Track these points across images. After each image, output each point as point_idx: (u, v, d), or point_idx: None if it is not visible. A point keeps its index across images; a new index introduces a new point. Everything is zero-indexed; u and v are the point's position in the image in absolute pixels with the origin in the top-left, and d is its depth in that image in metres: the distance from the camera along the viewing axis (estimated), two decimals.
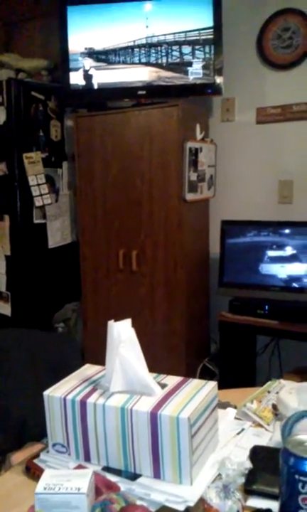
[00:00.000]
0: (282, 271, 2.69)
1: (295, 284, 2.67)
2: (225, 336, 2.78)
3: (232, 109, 3.03)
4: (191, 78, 2.72)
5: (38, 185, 2.99)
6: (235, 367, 2.83)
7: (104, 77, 2.82)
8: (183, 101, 2.70)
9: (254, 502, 0.88)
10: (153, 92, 2.78)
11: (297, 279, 2.66)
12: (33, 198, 2.98)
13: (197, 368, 3.01)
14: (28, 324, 3.01)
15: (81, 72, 2.84)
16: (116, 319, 0.98)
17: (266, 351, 2.99)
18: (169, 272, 2.85)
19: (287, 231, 2.69)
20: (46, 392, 0.97)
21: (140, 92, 2.79)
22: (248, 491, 0.89)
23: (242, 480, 0.85)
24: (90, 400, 0.93)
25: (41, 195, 3.01)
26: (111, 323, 0.97)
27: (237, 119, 3.02)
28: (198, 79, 2.71)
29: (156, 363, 2.79)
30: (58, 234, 3.18)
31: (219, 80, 2.73)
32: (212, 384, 1.00)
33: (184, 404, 0.90)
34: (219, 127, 3.05)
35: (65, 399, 0.95)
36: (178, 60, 2.71)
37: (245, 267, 2.78)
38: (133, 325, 1.00)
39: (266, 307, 2.64)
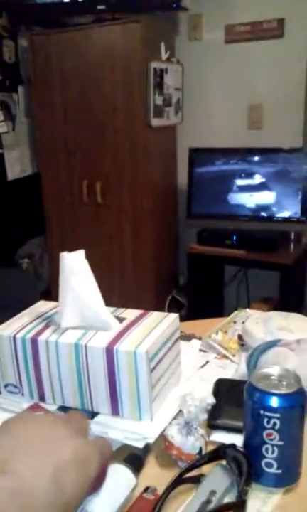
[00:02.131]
0: (251, 200, 2.62)
1: (263, 214, 2.61)
2: (193, 268, 2.75)
3: (200, 27, 2.82)
4: None
5: None
6: (203, 298, 2.82)
7: None
8: (147, 17, 2.49)
9: (218, 437, 0.84)
10: (114, 7, 2.55)
11: (266, 208, 2.60)
12: None
13: (166, 300, 2.99)
14: None
15: None
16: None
17: (233, 281, 2.97)
18: (136, 203, 2.75)
19: (256, 158, 2.60)
20: None
21: (99, 7, 2.56)
22: (212, 425, 0.85)
23: (205, 416, 0.81)
24: (42, 338, 0.86)
25: None
26: (63, 254, 0.88)
27: (204, 37, 2.82)
28: None
29: (125, 297, 2.76)
30: (17, 165, 3.00)
31: None
32: (173, 316, 0.93)
33: (142, 338, 0.84)
34: (186, 46, 2.86)
35: (14, 337, 0.87)
36: None
37: (213, 197, 2.70)
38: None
39: (235, 237, 2.60)
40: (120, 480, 0.73)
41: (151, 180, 2.72)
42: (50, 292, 2.96)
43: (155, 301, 2.86)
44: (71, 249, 0.89)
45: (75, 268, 0.88)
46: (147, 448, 0.80)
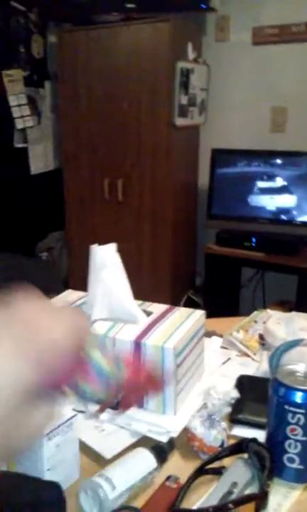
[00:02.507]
0: (271, 203, 2.63)
1: (283, 217, 2.61)
2: (211, 268, 2.76)
3: (227, 28, 2.83)
4: None
5: (19, 106, 2.82)
6: (219, 299, 2.82)
7: None
8: (175, 17, 2.51)
9: (239, 431, 0.86)
10: (143, 5, 2.56)
11: (286, 211, 2.60)
12: (14, 119, 2.80)
13: (182, 300, 3.00)
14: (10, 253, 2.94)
15: None
16: None
17: (250, 284, 2.98)
18: (156, 202, 2.77)
19: (279, 161, 2.60)
20: None
21: (129, 5, 2.58)
22: (234, 419, 0.87)
23: (228, 410, 0.83)
24: None
25: (22, 116, 2.84)
26: (94, 247, 0.91)
27: (231, 38, 2.83)
28: None
29: (141, 295, 2.75)
30: (41, 160, 3.03)
31: None
32: (200, 313, 0.95)
33: (170, 333, 0.86)
34: (213, 47, 2.86)
35: None
36: None
37: (234, 198, 2.71)
38: (119, 256, 0.93)
39: (254, 239, 2.60)
40: (141, 460, 0.75)
41: (173, 179, 2.73)
42: (68, 285, 2.99)
43: (170, 300, 2.88)
44: (90, 244, 0.91)
45: (107, 261, 0.90)
46: (172, 444, 0.81)
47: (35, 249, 3.10)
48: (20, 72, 2.81)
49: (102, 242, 0.91)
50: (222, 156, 2.70)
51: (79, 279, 3.05)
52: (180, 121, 2.64)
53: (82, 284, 1.09)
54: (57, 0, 2.69)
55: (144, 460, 0.76)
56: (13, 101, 2.78)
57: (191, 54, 2.67)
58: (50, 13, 2.89)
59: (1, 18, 2.69)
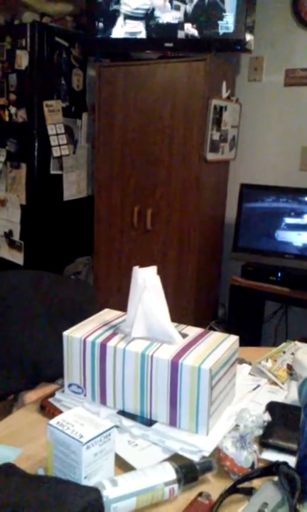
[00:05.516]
0: (298, 239, 2.66)
1: None
2: (235, 300, 2.77)
3: (260, 69, 2.92)
4: (221, 33, 2.61)
5: (57, 134, 2.93)
6: (242, 331, 2.82)
7: (130, 26, 2.71)
8: (211, 56, 2.61)
9: (269, 455, 0.87)
10: (181, 45, 2.67)
11: None
12: (51, 147, 2.92)
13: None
14: None
15: (107, 20, 2.74)
16: (127, 276, 0.95)
17: (273, 318, 2.98)
18: (183, 232, 2.82)
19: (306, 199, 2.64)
20: (66, 333, 0.96)
21: (167, 44, 2.69)
22: (263, 443, 0.89)
23: (259, 432, 0.85)
24: (111, 344, 0.92)
25: (59, 145, 2.95)
26: (136, 268, 0.95)
27: (264, 79, 2.92)
28: (228, 34, 2.60)
29: None
30: (74, 187, 3.13)
31: (249, 37, 2.62)
32: (234, 338, 0.98)
33: (206, 355, 0.89)
34: (246, 87, 2.96)
35: (84, 340, 0.94)
36: (208, 14, 2.60)
37: (261, 232, 2.75)
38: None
39: (279, 274, 2.62)
40: (158, 470, 0.78)
41: (200, 210, 2.79)
42: None
43: None
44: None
45: (147, 282, 0.94)
46: (209, 466, 0.82)
47: (63, 273, 3.16)
48: (60, 103, 2.94)
49: (128, 268, 0.95)
50: (250, 191, 2.76)
51: (103, 303, 3.09)
52: (211, 156, 2.72)
53: (106, 307, 1.14)
54: (98, 37, 2.82)
55: (162, 471, 0.78)
56: (51, 130, 2.90)
57: (225, 92, 2.77)
58: (90, 49, 3.03)
59: (46, 52, 2.83)
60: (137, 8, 2.68)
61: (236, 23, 2.58)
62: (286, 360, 1.25)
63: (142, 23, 2.68)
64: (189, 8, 2.60)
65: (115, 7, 2.70)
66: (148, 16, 2.67)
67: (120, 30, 2.73)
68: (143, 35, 2.69)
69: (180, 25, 2.63)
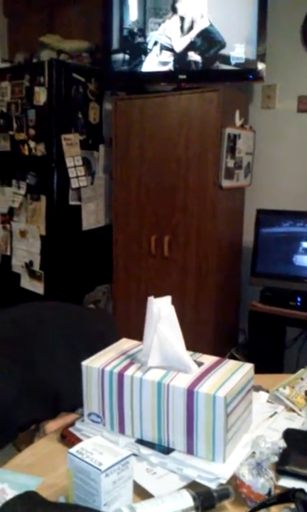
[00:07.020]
0: None
1: None
2: (255, 326, 2.77)
3: (273, 96, 2.98)
4: (233, 63, 2.68)
5: (75, 167, 3.01)
6: (262, 358, 2.81)
7: (165, 57, 2.79)
8: (224, 86, 2.68)
9: (286, 482, 0.88)
10: (194, 77, 2.75)
11: None
12: (70, 179, 3.00)
13: (225, 357, 3.00)
14: None
15: (122, 55, 2.83)
16: (145, 303, 0.98)
17: (295, 343, 2.96)
18: (201, 259, 2.84)
19: None
20: (84, 363, 0.98)
21: (180, 77, 2.77)
22: (280, 470, 0.89)
23: (275, 459, 0.85)
24: (128, 373, 0.94)
25: (77, 177, 3.03)
26: (151, 299, 0.98)
27: (277, 106, 2.97)
28: (240, 64, 2.67)
29: None
30: (92, 217, 3.20)
31: (261, 66, 2.68)
32: (249, 366, 1.00)
33: (221, 383, 0.91)
34: (259, 114, 3.01)
35: (103, 370, 0.96)
36: (220, 45, 2.68)
37: (279, 257, 2.76)
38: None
39: (299, 299, 2.62)
40: (176, 497, 0.79)
41: (218, 237, 2.82)
42: None
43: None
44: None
45: (162, 312, 0.97)
46: (226, 493, 0.83)
47: (83, 301, 3.20)
48: (77, 136, 3.03)
49: (146, 295, 0.98)
50: (266, 216, 2.78)
51: (122, 331, 3.11)
52: (226, 183, 2.76)
53: (125, 334, 1.16)
54: (113, 72, 2.92)
55: (180, 498, 0.79)
56: (69, 162, 2.98)
57: (238, 121, 2.82)
58: (106, 83, 3.13)
59: (63, 87, 2.93)
60: (151, 46, 2.77)
61: (247, 53, 2.65)
62: (303, 386, 1.25)
63: (156, 58, 2.77)
64: (199, 40, 2.68)
65: (140, 40, 2.79)
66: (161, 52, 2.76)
67: (155, 59, 2.78)
68: (170, 66, 2.76)
69: (193, 57, 2.71)
